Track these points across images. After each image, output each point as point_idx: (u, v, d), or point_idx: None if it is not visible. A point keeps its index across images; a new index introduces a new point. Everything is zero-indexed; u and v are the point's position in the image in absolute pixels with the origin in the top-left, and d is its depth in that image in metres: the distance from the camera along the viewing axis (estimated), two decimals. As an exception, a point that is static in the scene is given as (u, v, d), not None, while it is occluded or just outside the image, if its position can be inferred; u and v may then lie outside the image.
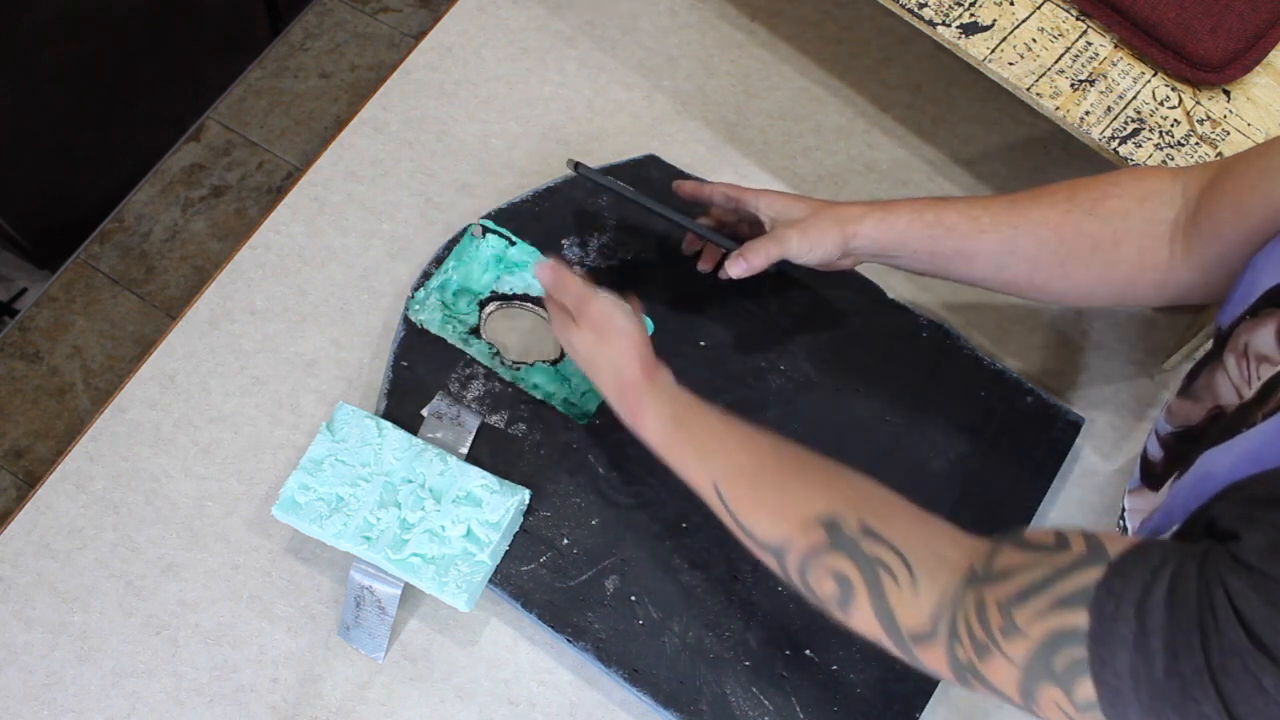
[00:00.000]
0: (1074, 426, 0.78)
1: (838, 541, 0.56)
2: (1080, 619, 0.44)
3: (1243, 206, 0.59)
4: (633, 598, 0.72)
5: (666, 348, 0.80)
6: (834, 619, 0.57)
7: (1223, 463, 0.50)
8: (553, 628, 0.71)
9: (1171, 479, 0.59)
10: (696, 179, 0.85)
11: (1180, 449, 0.61)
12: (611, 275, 0.82)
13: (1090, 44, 0.77)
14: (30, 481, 0.82)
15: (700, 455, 0.63)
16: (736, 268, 0.71)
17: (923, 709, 0.70)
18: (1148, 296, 0.66)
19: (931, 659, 0.52)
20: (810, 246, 0.70)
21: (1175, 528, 0.52)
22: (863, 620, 0.55)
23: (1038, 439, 0.77)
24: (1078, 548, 0.47)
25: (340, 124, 0.92)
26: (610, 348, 0.67)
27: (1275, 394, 0.50)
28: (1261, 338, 0.53)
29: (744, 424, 0.64)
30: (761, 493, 0.60)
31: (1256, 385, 0.53)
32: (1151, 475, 0.65)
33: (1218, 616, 0.40)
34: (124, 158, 1.14)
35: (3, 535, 0.76)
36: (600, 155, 0.88)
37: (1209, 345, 0.80)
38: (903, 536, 0.55)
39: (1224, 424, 0.54)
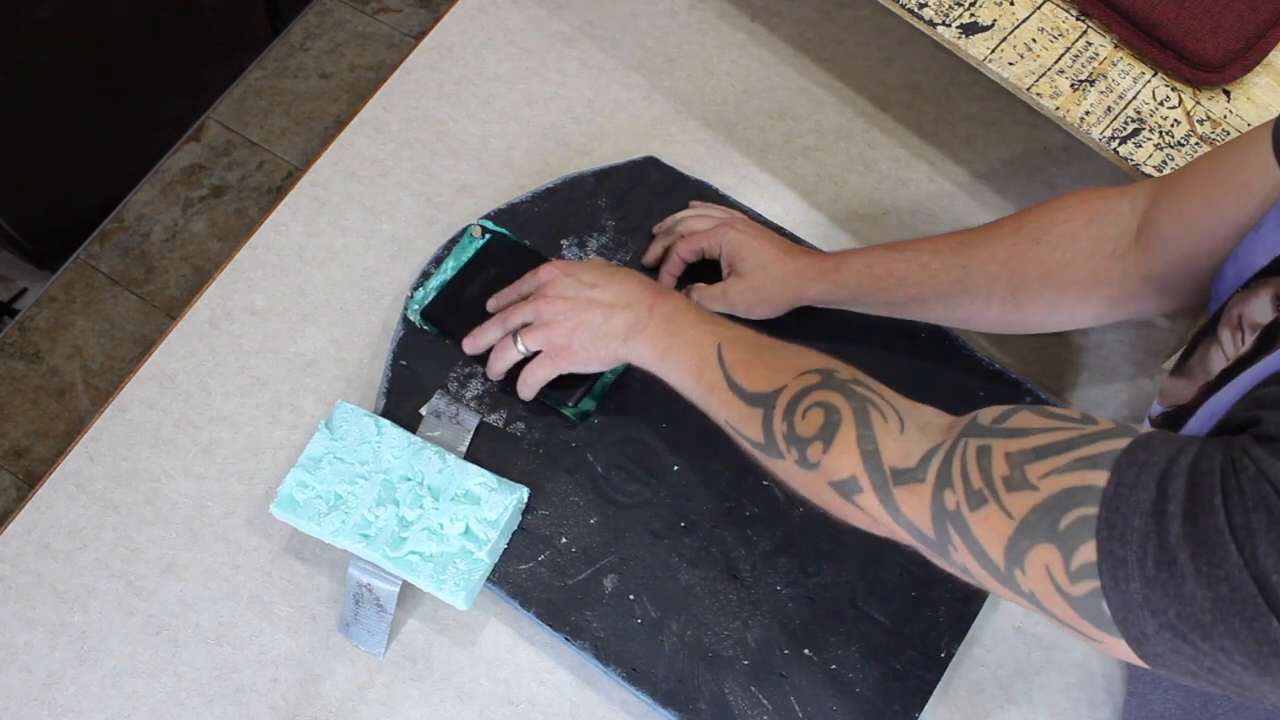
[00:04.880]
0: None
1: (830, 382, 0.57)
2: (1099, 479, 0.43)
3: (1186, 214, 0.60)
4: (631, 596, 0.72)
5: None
6: (804, 481, 0.57)
7: (1234, 390, 0.50)
8: (551, 626, 0.71)
9: None
10: (697, 181, 0.85)
11: (1172, 427, 0.61)
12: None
13: (1090, 44, 0.77)
14: (30, 481, 0.82)
15: (712, 324, 0.65)
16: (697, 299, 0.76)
17: (922, 708, 0.70)
18: (1102, 313, 0.67)
19: (910, 501, 0.51)
20: (752, 307, 0.74)
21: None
22: (844, 452, 0.54)
23: None
24: (1105, 424, 0.47)
25: (340, 124, 0.92)
26: (614, 288, 0.69)
27: (1277, 338, 0.50)
28: (1255, 306, 0.53)
29: None
30: (763, 354, 0.62)
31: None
32: None
33: (1241, 480, 0.39)
34: (124, 158, 1.14)
35: (3, 535, 0.76)
36: (600, 155, 0.88)
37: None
38: (893, 397, 0.57)
39: (1224, 375, 0.54)
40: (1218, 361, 0.57)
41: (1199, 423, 0.53)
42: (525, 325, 0.72)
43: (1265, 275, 0.54)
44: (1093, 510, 0.43)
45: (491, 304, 0.77)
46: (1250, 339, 0.53)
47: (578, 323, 0.69)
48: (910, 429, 0.53)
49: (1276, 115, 0.58)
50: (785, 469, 0.58)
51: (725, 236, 0.75)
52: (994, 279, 0.67)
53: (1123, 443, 0.44)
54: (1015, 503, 0.45)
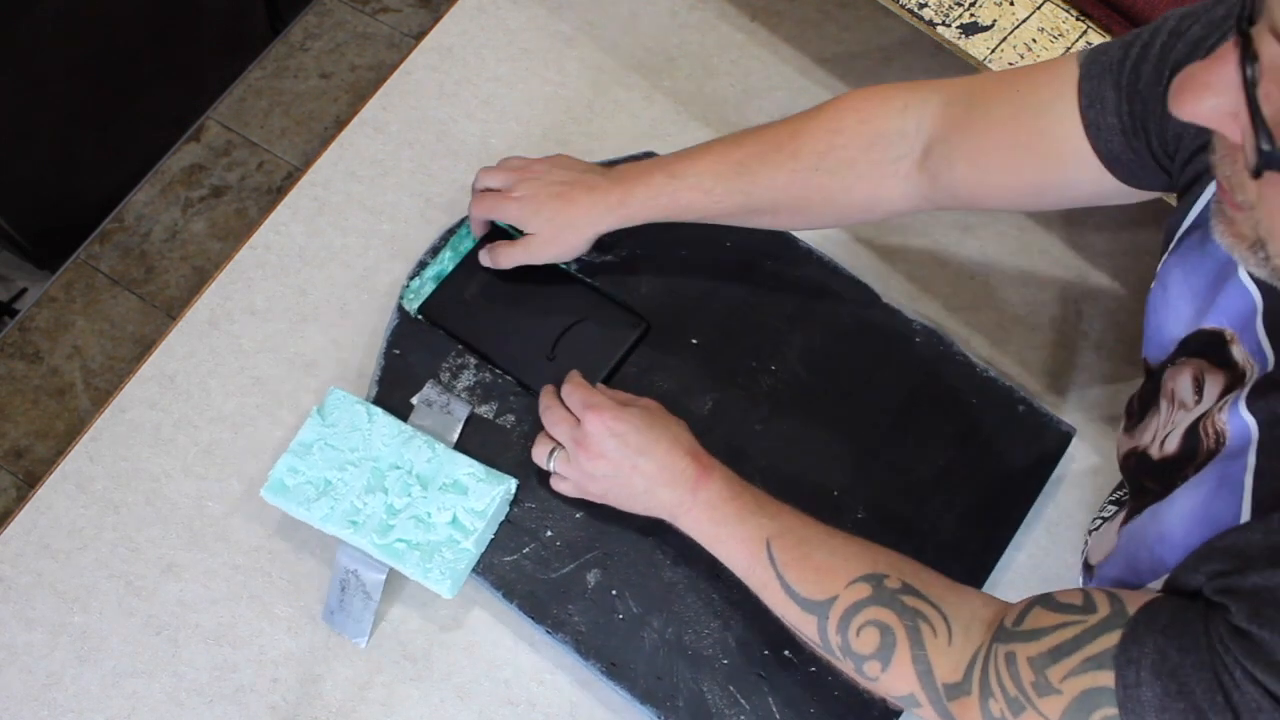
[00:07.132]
0: (1065, 437, 0.77)
1: (881, 595, 0.58)
2: (1107, 679, 0.46)
3: (981, 165, 0.61)
4: (614, 592, 0.72)
5: (659, 345, 0.80)
6: (864, 684, 0.59)
7: (1171, 521, 0.51)
8: (533, 619, 0.71)
9: (1120, 518, 0.60)
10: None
11: (1132, 480, 0.62)
12: (606, 271, 0.82)
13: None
14: (30, 481, 0.83)
15: (757, 513, 0.65)
16: (484, 260, 0.79)
17: (901, 713, 0.69)
18: (894, 216, 0.70)
19: (964, 713, 0.53)
20: (554, 256, 0.76)
21: (1154, 588, 0.52)
22: (900, 673, 0.56)
23: (1028, 449, 0.76)
24: (1103, 609, 0.48)
25: (340, 124, 0.92)
26: (662, 443, 0.68)
27: (1198, 446, 0.51)
28: (1181, 384, 0.55)
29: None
30: (811, 550, 0.62)
31: (1170, 431, 0.55)
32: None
33: (1236, 679, 0.41)
34: (124, 158, 1.15)
35: (3, 535, 0.76)
36: (600, 155, 0.88)
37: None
38: (940, 595, 0.58)
39: (1162, 476, 0.55)
40: (1149, 430, 0.58)
41: (1148, 536, 0.54)
42: (562, 446, 0.71)
43: (1187, 352, 0.55)
44: (1113, 710, 0.45)
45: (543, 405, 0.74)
46: (1174, 414, 0.55)
47: (617, 484, 0.69)
48: (957, 635, 0.55)
49: (1079, 74, 0.55)
50: (843, 668, 0.60)
51: (506, 211, 0.76)
52: (777, 202, 0.69)
53: (1116, 637, 0.46)
54: (1048, 707, 0.48)
